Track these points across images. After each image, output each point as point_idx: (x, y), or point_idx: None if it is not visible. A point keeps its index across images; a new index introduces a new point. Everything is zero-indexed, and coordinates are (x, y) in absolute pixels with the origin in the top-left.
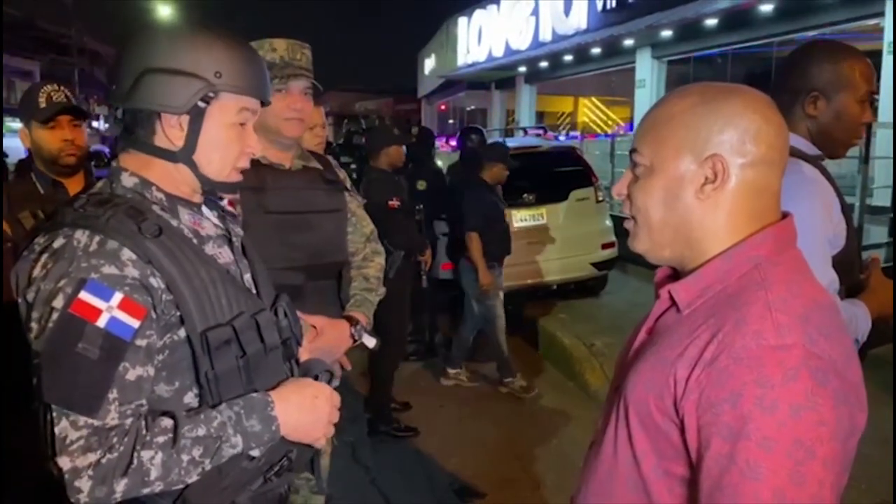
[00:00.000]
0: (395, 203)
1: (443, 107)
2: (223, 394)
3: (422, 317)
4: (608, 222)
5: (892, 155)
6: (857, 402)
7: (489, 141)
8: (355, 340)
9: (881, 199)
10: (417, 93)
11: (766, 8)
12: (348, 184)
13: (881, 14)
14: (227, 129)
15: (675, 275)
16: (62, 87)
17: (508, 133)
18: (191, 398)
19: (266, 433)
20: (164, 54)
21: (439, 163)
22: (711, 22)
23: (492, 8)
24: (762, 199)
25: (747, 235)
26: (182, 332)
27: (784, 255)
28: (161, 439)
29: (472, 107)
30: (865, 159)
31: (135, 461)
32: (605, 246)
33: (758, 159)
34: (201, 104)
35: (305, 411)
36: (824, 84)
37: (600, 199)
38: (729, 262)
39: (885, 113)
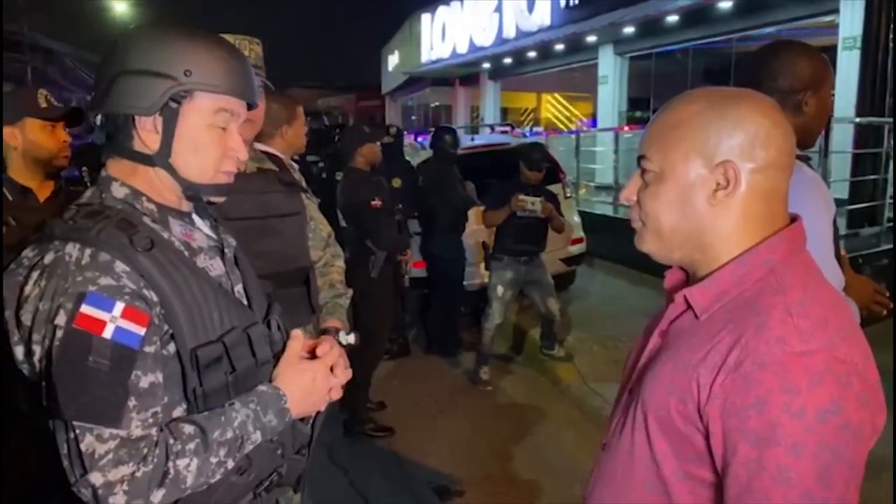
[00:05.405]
0: (377, 203)
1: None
2: (210, 409)
3: (400, 316)
4: (576, 218)
5: (847, 149)
6: (877, 404)
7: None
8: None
9: (838, 192)
10: (381, 89)
11: (726, 5)
12: (304, 184)
13: (836, 11)
14: (205, 130)
15: (687, 278)
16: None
17: (474, 130)
18: (179, 413)
19: (281, 425)
20: (135, 56)
21: (409, 159)
22: (672, 18)
23: (455, 5)
24: (772, 203)
25: (760, 239)
26: (172, 348)
27: (796, 258)
28: (192, 445)
29: (437, 103)
30: (825, 153)
31: (171, 471)
32: (573, 242)
33: (768, 164)
34: (173, 104)
35: (308, 395)
36: (812, 80)
37: (568, 195)
38: (744, 267)
39: (840, 108)
